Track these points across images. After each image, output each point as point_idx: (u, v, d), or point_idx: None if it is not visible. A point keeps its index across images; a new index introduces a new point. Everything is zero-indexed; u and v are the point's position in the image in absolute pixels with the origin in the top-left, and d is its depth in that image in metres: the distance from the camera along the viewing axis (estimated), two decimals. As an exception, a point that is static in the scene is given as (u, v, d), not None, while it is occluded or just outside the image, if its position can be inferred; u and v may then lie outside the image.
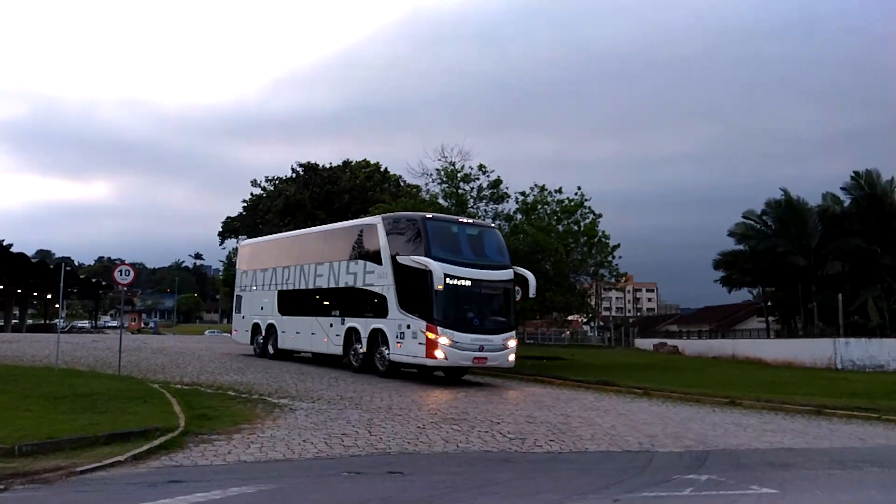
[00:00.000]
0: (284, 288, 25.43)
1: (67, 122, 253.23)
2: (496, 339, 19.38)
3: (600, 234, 30.24)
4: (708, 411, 16.98)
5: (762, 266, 45.47)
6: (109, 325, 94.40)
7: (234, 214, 64.77)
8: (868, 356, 32.43)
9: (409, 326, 19.05)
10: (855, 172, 44.63)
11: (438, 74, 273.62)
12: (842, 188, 45.25)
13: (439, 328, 18.44)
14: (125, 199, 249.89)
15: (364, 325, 20.87)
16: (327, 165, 59.35)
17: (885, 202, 42.87)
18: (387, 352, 19.92)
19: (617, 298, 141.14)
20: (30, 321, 79.92)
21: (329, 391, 16.93)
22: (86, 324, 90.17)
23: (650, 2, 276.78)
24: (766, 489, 8.70)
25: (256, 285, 27.48)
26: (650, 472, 9.75)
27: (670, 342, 49.28)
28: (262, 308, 26.87)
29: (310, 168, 58.90)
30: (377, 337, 20.34)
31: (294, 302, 24.96)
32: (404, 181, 50.89)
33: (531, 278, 20.89)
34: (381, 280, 20.27)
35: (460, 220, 21.72)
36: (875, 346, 33.16)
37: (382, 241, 20.52)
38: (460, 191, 30.55)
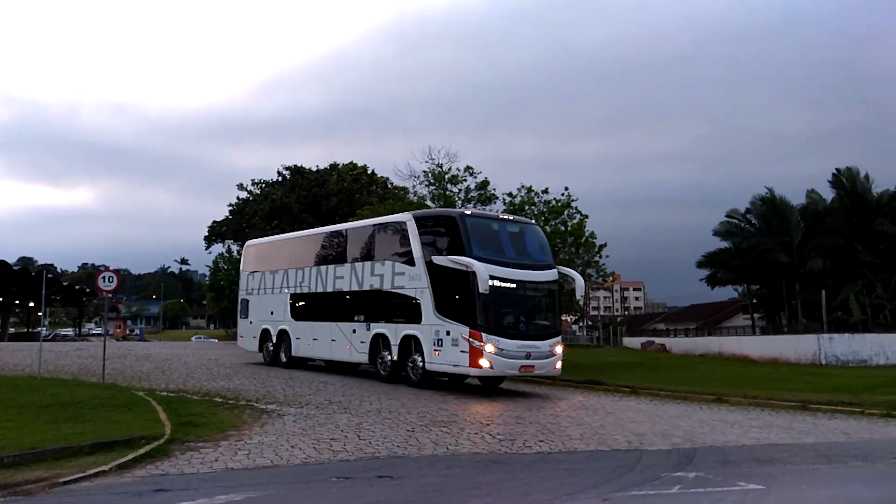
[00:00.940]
0: (298, 291, 23.95)
1: (50, 126, 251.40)
2: (543, 345, 17.95)
3: (587, 234, 30.31)
4: (695, 409, 17.08)
5: (746, 263, 45.80)
6: (94, 332, 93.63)
7: (220, 218, 64.60)
8: (851, 351, 32.72)
9: (448, 333, 17.58)
10: (836, 170, 45.10)
11: (426, 76, 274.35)
12: (829, 181, 45.70)
13: (484, 334, 16.95)
14: (109, 204, 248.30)
15: (394, 332, 19.45)
16: (314, 168, 59.27)
17: (866, 199, 43.29)
18: (420, 360, 18.53)
19: (605, 298, 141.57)
20: (12, 329, 79.06)
21: (317, 396, 16.87)
22: (70, 331, 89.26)
23: (637, 4, 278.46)
24: (753, 485, 8.76)
25: (265, 288, 25.96)
26: (639, 470, 9.79)
27: (658, 340, 49.47)
28: (272, 313, 25.33)
29: (296, 171, 58.73)
30: (410, 344, 18.94)
31: (310, 306, 23.56)
32: (391, 183, 50.85)
33: (578, 279, 19.74)
34: (412, 282, 18.79)
35: (500, 216, 20.40)
36: (858, 342, 33.46)
37: (414, 241, 18.94)
38: (448, 192, 30.60)
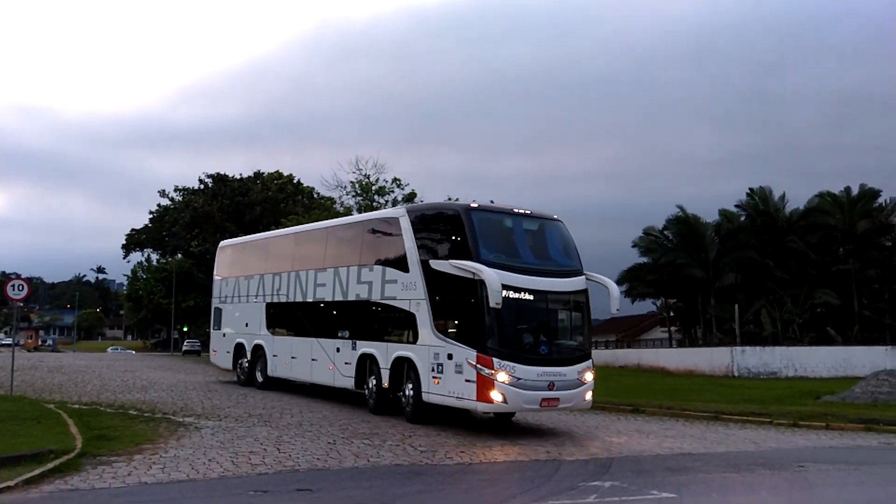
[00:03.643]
0: (275, 300, 20.71)
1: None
2: (569, 371, 14.18)
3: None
4: (613, 419, 17.51)
5: (664, 278, 47.31)
6: (3, 342, 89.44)
7: (139, 226, 63.00)
8: (762, 363, 34.05)
9: (449, 356, 14.04)
10: (750, 189, 47.19)
11: (349, 89, 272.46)
12: (736, 205, 47.86)
13: (495, 360, 13.33)
14: (20, 210, 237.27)
15: (383, 353, 16.00)
16: (238, 176, 58.33)
17: (777, 218, 45.38)
18: (411, 389, 15.10)
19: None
20: (-88, 340, 74.82)
21: (237, 408, 16.58)
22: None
23: (556, 26, 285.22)
24: (666, 493, 9.07)
25: (240, 296, 22.76)
26: (557, 480, 9.99)
27: (579, 352, 50.40)
28: (246, 325, 22.17)
29: (219, 179, 57.74)
30: (402, 368, 15.46)
31: (288, 318, 20.41)
32: (318, 193, 50.64)
33: (612, 288, 15.86)
34: (406, 292, 15.43)
35: (515, 209, 15.96)
36: (768, 354, 34.87)
37: (408, 241, 15.56)
38: (375, 204, 30.70)
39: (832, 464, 12.11)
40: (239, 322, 22.77)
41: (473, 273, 13.63)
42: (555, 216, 16.07)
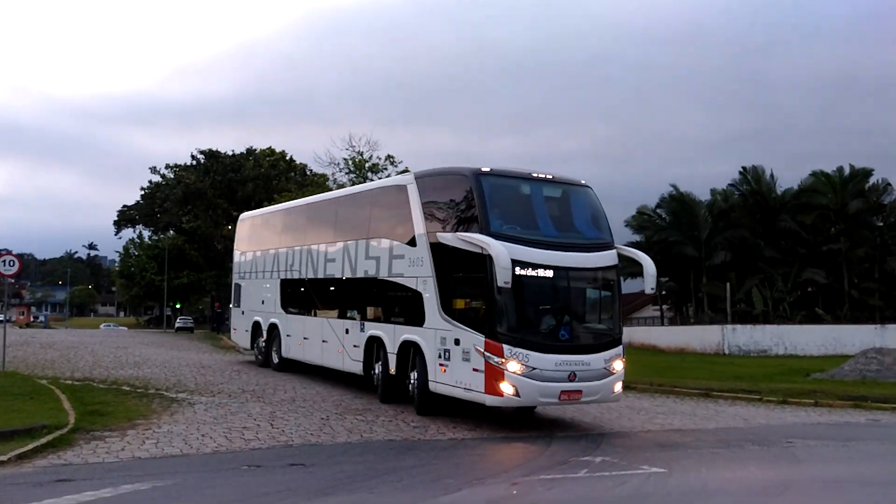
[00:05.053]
0: (289, 276, 19.28)
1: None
2: (595, 359, 12.26)
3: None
4: (605, 396, 17.58)
5: (656, 256, 47.31)
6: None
7: (130, 203, 62.75)
8: (753, 342, 34.32)
9: (456, 342, 12.30)
10: (743, 168, 47.18)
11: (340, 67, 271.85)
12: (730, 184, 47.89)
13: (506, 347, 11.58)
14: (11, 186, 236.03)
15: (391, 335, 14.38)
16: (230, 153, 57.96)
17: (769, 198, 45.45)
18: (415, 376, 13.50)
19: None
20: None
21: (230, 384, 16.62)
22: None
23: (546, 7, 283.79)
24: (656, 469, 9.15)
25: (257, 272, 21.56)
26: (548, 455, 10.09)
27: (572, 331, 50.50)
28: (263, 302, 20.79)
29: (211, 155, 57.31)
30: (409, 353, 13.80)
31: (301, 296, 19.01)
32: (311, 170, 50.42)
33: (648, 264, 13.77)
34: (413, 269, 13.71)
35: (534, 174, 13.56)
36: (759, 332, 35.13)
37: (415, 211, 13.89)
38: (368, 181, 30.57)
39: (820, 440, 12.24)
40: (256, 299, 21.44)
41: (481, 247, 11.93)
42: (582, 181, 14.06)
